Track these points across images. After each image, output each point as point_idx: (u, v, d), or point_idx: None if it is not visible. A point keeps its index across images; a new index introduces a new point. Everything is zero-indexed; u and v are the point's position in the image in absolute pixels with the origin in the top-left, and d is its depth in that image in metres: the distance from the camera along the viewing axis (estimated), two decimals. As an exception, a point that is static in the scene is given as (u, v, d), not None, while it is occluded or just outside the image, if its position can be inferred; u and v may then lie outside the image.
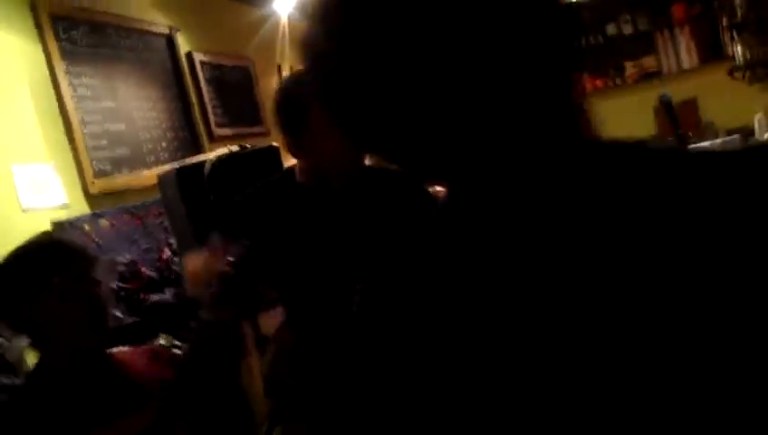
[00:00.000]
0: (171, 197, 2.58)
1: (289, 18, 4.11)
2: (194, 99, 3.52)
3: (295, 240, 1.65)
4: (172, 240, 2.97)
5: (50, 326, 1.33)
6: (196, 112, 3.52)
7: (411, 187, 1.69)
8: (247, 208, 1.73)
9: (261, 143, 3.79)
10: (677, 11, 5.62)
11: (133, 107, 3.07)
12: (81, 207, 2.73)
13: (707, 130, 5.69)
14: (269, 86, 4.33)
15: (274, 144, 3.27)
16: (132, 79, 3.12)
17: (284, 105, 1.61)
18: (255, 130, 4.02)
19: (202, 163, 2.53)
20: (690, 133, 5.70)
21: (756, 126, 3.04)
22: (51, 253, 1.38)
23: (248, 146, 2.74)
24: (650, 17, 5.71)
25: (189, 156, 3.38)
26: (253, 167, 2.67)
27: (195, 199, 2.48)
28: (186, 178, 2.49)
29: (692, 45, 5.65)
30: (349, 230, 1.64)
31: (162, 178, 2.70)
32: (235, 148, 2.65)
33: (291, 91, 1.63)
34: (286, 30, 4.18)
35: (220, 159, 2.55)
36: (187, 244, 2.60)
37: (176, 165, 2.63)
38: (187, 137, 3.40)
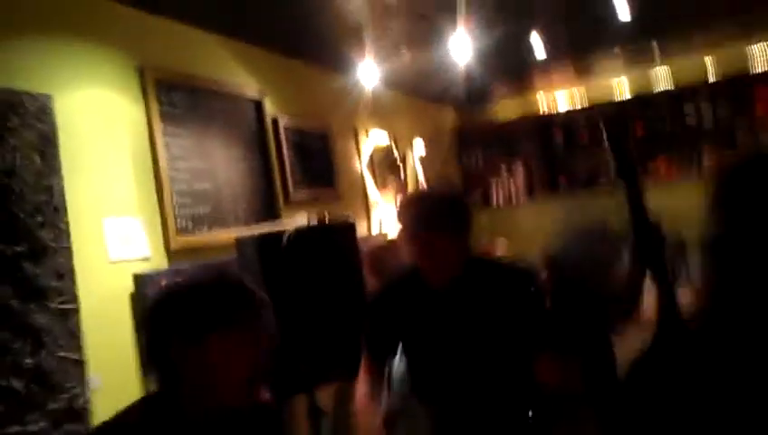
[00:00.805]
0: (249, 262, 2.66)
1: (372, 87, 4.23)
2: (275, 161, 3.65)
3: (421, 331, 2.05)
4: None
5: (202, 375, 1.20)
6: (276, 174, 3.63)
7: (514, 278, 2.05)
8: (385, 305, 2.16)
9: (337, 216, 3.90)
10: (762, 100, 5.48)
11: (219, 167, 3.21)
12: (161, 261, 2.85)
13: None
14: (345, 149, 4.45)
15: (350, 220, 3.35)
16: (221, 140, 3.26)
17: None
18: (329, 192, 4.12)
19: (281, 233, 2.60)
20: None
21: None
22: (230, 291, 1.26)
23: (326, 219, 2.81)
24: (731, 106, 5.58)
25: (266, 217, 3.50)
26: (328, 241, 2.74)
27: (272, 268, 2.55)
28: (265, 247, 2.56)
29: (774, 140, 5.51)
30: (464, 322, 1.99)
31: (241, 243, 2.79)
32: (312, 220, 2.72)
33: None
34: (368, 97, 4.30)
35: (299, 232, 2.62)
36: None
37: (255, 231, 2.71)
38: (266, 198, 3.51)
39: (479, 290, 2.00)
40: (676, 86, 5.71)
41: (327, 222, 2.85)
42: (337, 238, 2.80)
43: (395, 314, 2.11)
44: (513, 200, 6.45)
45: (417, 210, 2.03)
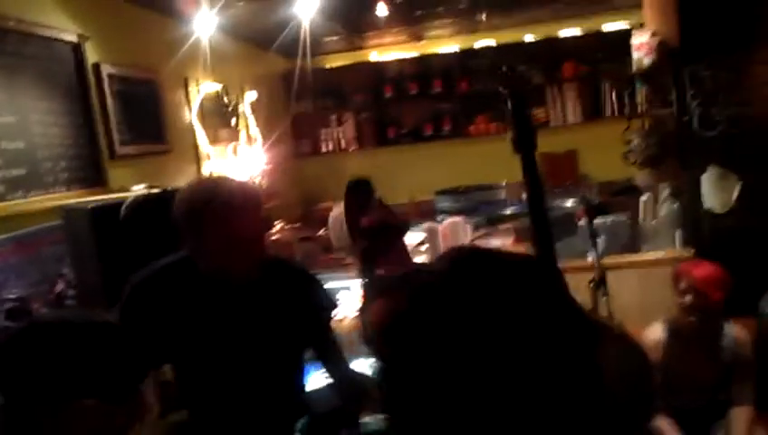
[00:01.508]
0: (80, 234, 2.42)
1: (207, 36, 3.96)
2: (98, 114, 3.29)
3: (191, 324, 1.76)
4: (66, 270, 2.77)
5: None
6: (99, 129, 3.29)
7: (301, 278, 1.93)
8: (147, 292, 1.82)
9: (173, 184, 3.64)
10: (567, 69, 6.06)
11: (34, 123, 2.82)
12: (-33, 234, 2.48)
13: (583, 181, 6.20)
14: (174, 99, 4.14)
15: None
16: (35, 91, 2.86)
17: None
18: (159, 147, 3.83)
19: (118, 204, 2.38)
20: (569, 183, 6.18)
21: (641, 209, 3.36)
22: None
23: (165, 188, 2.62)
24: (544, 72, 6.11)
25: (91, 178, 3.17)
26: (169, 210, 2.56)
27: (108, 242, 2.34)
28: (100, 219, 2.34)
29: (577, 102, 6.12)
30: (244, 318, 1.79)
31: (69, 213, 2.52)
32: (152, 189, 2.53)
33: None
34: (205, 47, 4.02)
35: (137, 202, 2.41)
36: (92, 284, 2.45)
37: (87, 202, 2.45)
38: (89, 156, 3.18)
39: (271, 290, 1.84)
40: (497, 49, 6.13)
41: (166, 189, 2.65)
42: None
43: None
44: (342, 149, 6.52)
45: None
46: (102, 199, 2.51)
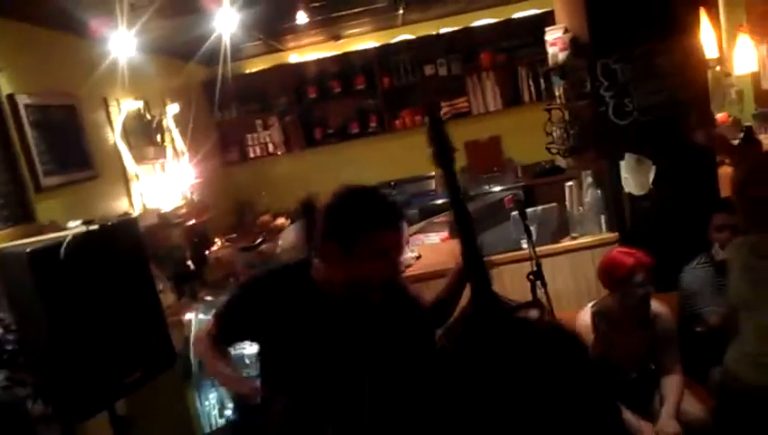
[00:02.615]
0: (18, 280, 2.35)
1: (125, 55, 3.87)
2: (17, 146, 3.17)
3: (300, 328, 1.78)
4: (2, 314, 2.69)
5: None
6: (21, 162, 3.17)
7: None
8: (264, 288, 1.86)
9: (103, 212, 3.55)
10: (485, 58, 6.23)
11: (-49, 164, 2.71)
12: None
13: (508, 165, 6.42)
14: (96, 123, 4.03)
15: (131, 214, 3.05)
16: (-51, 131, 2.74)
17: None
18: (85, 174, 3.72)
19: (56, 244, 2.33)
20: (495, 168, 6.38)
21: (567, 197, 3.54)
22: None
23: (106, 222, 2.57)
24: (462, 63, 6.26)
25: (16, 214, 3.07)
26: (110, 242, 2.52)
27: (50, 284, 2.29)
28: (38, 262, 2.28)
29: (497, 90, 6.31)
30: (350, 333, 1.80)
31: (5, 257, 2.44)
32: (89, 226, 2.47)
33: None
34: (123, 66, 3.93)
35: (76, 239, 2.37)
36: (35, 326, 2.40)
37: (23, 245, 2.38)
38: (14, 191, 3.06)
39: (385, 310, 1.83)
40: (416, 43, 6.24)
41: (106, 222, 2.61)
42: (120, 238, 2.60)
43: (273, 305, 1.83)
44: (270, 153, 6.49)
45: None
46: (39, 241, 2.44)
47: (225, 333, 1.94)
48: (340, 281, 1.78)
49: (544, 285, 2.56)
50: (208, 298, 3.71)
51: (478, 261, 2.00)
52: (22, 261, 2.30)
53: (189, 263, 3.98)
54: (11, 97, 3.20)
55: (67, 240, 2.35)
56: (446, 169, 2.00)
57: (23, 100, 3.26)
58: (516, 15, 6.21)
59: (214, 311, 2.09)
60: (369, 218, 1.74)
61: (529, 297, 2.64)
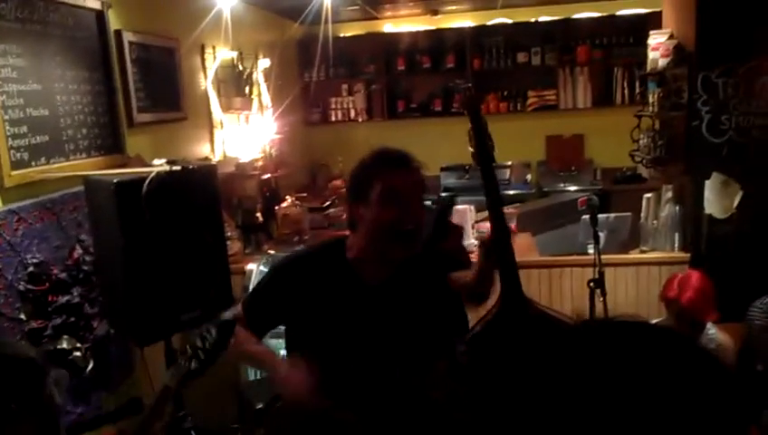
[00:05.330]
0: (103, 207, 2.50)
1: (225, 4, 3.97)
2: (118, 81, 3.34)
3: (331, 313, 1.79)
4: (84, 237, 2.87)
5: None
6: (119, 96, 3.34)
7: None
8: (292, 274, 1.88)
9: (197, 160, 3.69)
10: (581, 53, 6.05)
11: (57, 90, 2.88)
12: (-7, 199, 2.55)
13: (588, 166, 6.26)
14: (192, 67, 4.18)
15: (211, 160, 3.19)
16: (59, 58, 2.90)
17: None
18: (174, 115, 3.88)
19: (140, 179, 2.46)
20: (574, 167, 6.24)
21: (644, 208, 3.44)
22: (5, 376, 1.25)
23: (188, 164, 2.69)
24: (558, 54, 6.10)
25: (108, 145, 3.24)
26: (190, 186, 2.64)
27: (130, 216, 2.42)
28: (123, 194, 2.41)
29: (588, 87, 6.14)
30: (383, 318, 1.79)
31: (92, 185, 2.60)
32: (173, 166, 2.59)
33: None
34: (225, 15, 4.03)
35: (159, 178, 2.49)
36: (110, 254, 2.55)
37: (111, 175, 2.53)
38: (109, 123, 3.23)
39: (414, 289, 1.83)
40: (512, 27, 6.11)
41: (187, 165, 2.72)
42: (198, 182, 2.71)
43: (302, 291, 1.84)
44: (351, 119, 6.55)
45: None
46: (125, 173, 2.58)
47: (253, 324, 1.94)
48: (364, 244, 1.78)
49: (604, 294, 2.52)
50: (271, 251, 3.83)
51: (511, 267, 1.98)
52: (109, 191, 2.45)
53: (258, 215, 4.11)
54: (118, 33, 3.36)
55: (150, 177, 2.48)
56: (485, 168, 1.99)
57: (128, 37, 3.42)
58: (620, 12, 5.99)
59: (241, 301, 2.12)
60: (378, 163, 1.76)
61: (586, 304, 2.61)
